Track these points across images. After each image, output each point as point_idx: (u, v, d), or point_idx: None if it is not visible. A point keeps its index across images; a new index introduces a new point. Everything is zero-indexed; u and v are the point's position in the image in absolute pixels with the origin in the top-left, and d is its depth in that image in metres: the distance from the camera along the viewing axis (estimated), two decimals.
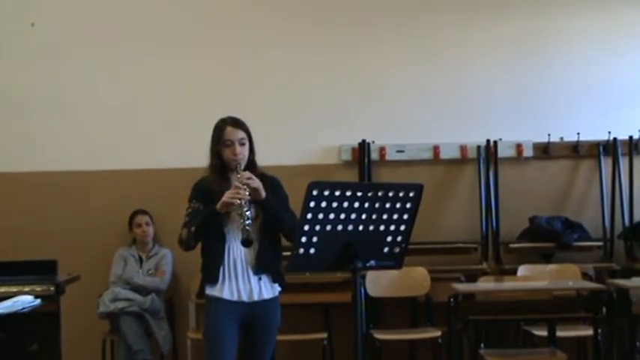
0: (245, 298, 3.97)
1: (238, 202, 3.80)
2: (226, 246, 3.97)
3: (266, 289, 4.01)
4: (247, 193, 3.82)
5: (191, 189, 4.09)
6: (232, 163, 3.98)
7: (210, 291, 3.99)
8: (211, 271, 3.98)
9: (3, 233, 6.21)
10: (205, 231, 3.94)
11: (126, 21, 6.50)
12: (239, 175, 3.90)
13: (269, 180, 4.08)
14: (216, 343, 3.97)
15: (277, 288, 4.06)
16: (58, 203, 6.38)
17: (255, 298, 3.98)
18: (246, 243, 3.77)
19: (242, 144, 4.01)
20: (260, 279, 3.99)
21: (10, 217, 6.32)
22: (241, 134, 4.02)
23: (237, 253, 3.96)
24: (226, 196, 3.83)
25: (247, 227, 3.74)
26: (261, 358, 4.08)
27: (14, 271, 4.91)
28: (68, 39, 6.46)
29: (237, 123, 4.05)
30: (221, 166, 4.03)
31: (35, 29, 6.46)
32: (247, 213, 3.78)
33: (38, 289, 4.66)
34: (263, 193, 3.91)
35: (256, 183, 3.89)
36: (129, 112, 6.46)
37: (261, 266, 3.98)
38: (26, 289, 4.61)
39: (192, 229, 3.93)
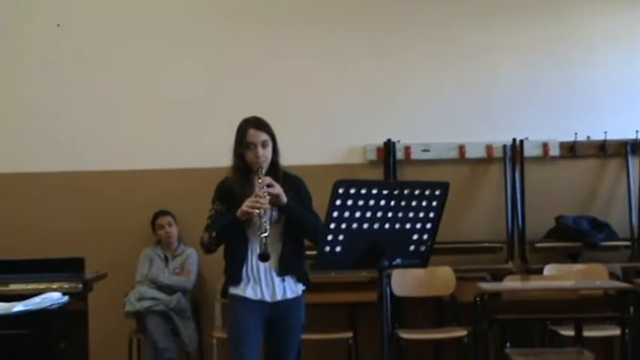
0: (268, 299, 3.96)
1: (257, 211, 3.76)
2: (249, 248, 3.95)
3: (290, 289, 4.00)
4: (267, 199, 3.79)
5: (215, 189, 4.07)
6: (254, 165, 3.94)
7: (233, 290, 3.98)
8: (234, 274, 3.97)
9: (31, 232, 6.26)
10: (227, 234, 3.92)
11: (149, 22, 6.53)
12: (260, 181, 3.85)
13: (292, 180, 4.05)
14: (240, 341, 3.95)
15: (301, 287, 4.05)
16: (83, 203, 6.41)
17: (279, 298, 3.97)
18: (262, 258, 3.75)
19: (265, 146, 3.96)
20: (283, 280, 3.98)
21: (38, 216, 6.36)
22: (264, 136, 3.96)
23: None
24: (246, 205, 3.79)
25: (264, 240, 3.71)
26: (286, 357, 4.06)
27: (42, 268, 4.94)
28: (93, 39, 6.50)
29: (259, 125, 3.99)
30: (244, 167, 3.99)
31: (61, 30, 6.51)
32: (265, 224, 3.74)
33: (66, 286, 4.68)
34: (284, 199, 3.88)
35: (277, 189, 3.86)
36: (151, 112, 6.48)
37: (285, 269, 3.97)
38: (54, 286, 4.63)
39: (213, 234, 3.91)
